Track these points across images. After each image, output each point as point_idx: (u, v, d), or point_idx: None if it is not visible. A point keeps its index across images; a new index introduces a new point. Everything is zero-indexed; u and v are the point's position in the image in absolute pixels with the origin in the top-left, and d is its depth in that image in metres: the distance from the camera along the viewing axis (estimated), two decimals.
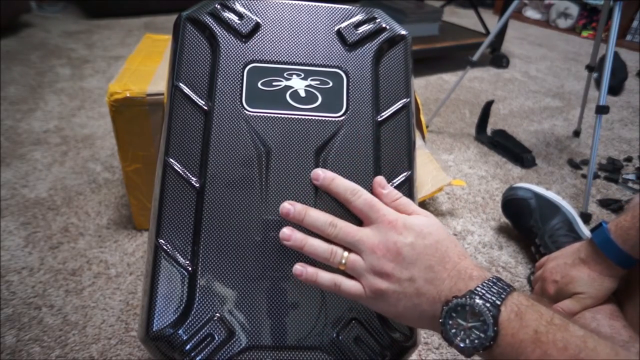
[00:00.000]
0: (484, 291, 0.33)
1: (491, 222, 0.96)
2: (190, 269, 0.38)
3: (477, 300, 0.32)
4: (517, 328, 0.31)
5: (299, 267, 0.38)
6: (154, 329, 0.36)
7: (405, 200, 0.40)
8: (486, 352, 0.32)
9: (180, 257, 0.38)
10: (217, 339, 0.36)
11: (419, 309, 0.35)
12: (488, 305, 0.32)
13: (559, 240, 0.79)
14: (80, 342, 0.65)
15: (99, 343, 0.65)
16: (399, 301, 0.36)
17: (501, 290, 0.33)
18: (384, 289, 0.36)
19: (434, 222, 0.38)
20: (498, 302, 0.32)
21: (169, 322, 0.37)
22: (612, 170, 1.17)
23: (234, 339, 0.37)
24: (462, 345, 0.32)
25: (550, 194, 0.88)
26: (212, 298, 0.38)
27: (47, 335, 0.65)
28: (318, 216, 0.38)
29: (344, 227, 0.38)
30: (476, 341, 0.32)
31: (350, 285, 0.37)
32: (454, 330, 0.33)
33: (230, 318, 0.37)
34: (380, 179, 0.41)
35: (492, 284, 0.33)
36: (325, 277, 0.38)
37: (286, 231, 0.38)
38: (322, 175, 0.40)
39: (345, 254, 0.37)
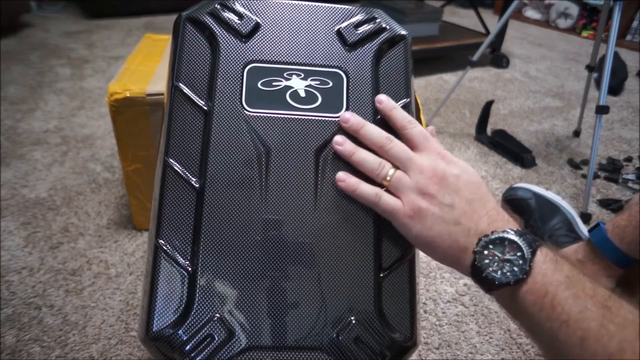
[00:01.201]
0: (522, 233, 0.34)
1: None
2: (190, 269, 0.38)
3: (516, 237, 0.33)
4: (550, 270, 0.32)
5: (342, 175, 0.39)
6: (154, 329, 0.36)
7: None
8: (514, 287, 0.33)
9: (180, 257, 0.38)
10: (217, 339, 0.36)
11: (452, 237, 0.36)
12: (526, 243, 0.33)
13: (558, 240, 0.80)
14: (80, 342, 0.65)
15: (99, 343, 0.65)
16: (435, 224, 0.36)
17: (535, 239, 0.34)
18: (424, 207, 0.36)
19: (475, 172, 0.39)
20: (535, 245, 0.33)
21: (169, 322, 0.37)
22: (612, 170, 1.17)
23: (234, 339, 0.37)
24: (494, 275, 0.33)
25: (550, 194, 0.88)
26: (212, 298, 0.38)
27: (47, 335, 0.65)
28: (375, 129, 0.40)
29: (399, 144, 0.39)
30: (509, 273, 0.33)
31: (390, 199, 0.38)
32: (487, 261, 0.34)
33: (230, 318, 0.37)
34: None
35: (526, 233, 0.34)
36: (366, 187, 0.38)
37: (339, 138, 0.40)
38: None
39: (392, 170, 0.38)
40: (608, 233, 0.56)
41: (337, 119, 0.43)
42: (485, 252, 0.34)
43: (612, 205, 1.02)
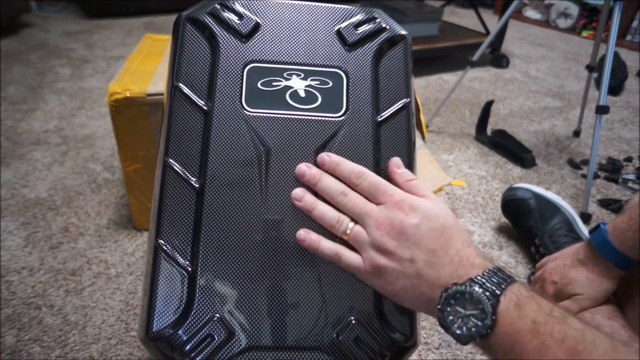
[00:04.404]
0: (484, 280, 0.32)
1: (491, 222, 0.96)
2: (190, 269, 0.38)
3: (477, 289, 0.32)
4: (515, 318, 0.31)
5: (302, 233, 0.39)
6: (153, 329, 0.36)
7: (417, 182, 0.39)
8: (482, 340, 0.32)
9: (180, 257, 0.38)
10: (217, 339, 0.36)
11: (417, 290, 0.35)
12: (487, 294, 0.31)
13: (558, 241, 0.79)
14: (80, 342, 0.65)
15: (99, 343, 0.65)
16: (397, 280, 0.36)
17: (501, 281, 0.32)
18: (383, 265, 0.36)
19: (443, 207, 0.37)
20: (498, 292, 0.32)
21: (169, 322, 0.37)
22: (612, 170, 1.17)
23: (234, 340, 0.37)
24: (459, 332, 0.32)
25: (550, 194, 0.88)
26: (212, 298, 0.38)
27: (47, 335, 0.65)
28: (331, 183, 0.39)
29: (354, 198, 0.38)
30: (473, 329, 0.32)
31: (351, 257, 0.37)
32: (451, 317, 0.33)
33: (230, 318, 0.37)
34: (396, 160, 0.41)
35: (492, 274, 0.33)
36: (327, 245, 0.38)
37: (299, 191, 0.39)
38: (328, 160, 0.40)
39: (351, 224, 0.38)
40: (608, 235, 0.56)
41: (337, 119, 0.43)
42: (448, 308, 0.33)
43: (612, 205, 1.02)
